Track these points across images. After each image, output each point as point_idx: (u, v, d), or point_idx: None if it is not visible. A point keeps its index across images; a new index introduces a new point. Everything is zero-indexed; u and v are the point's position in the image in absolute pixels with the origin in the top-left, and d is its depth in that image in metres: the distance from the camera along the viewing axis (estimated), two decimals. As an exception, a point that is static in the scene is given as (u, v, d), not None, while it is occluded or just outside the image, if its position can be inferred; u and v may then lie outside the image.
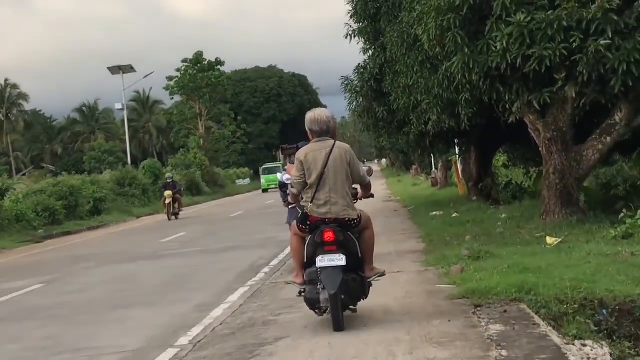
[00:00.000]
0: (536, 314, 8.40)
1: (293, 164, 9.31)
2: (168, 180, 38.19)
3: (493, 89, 15.92)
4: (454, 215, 20.94)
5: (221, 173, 79.24)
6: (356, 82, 24.85)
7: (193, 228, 29.08)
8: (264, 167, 77.44)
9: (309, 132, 8.45)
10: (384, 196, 37.94)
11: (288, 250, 16.98)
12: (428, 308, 9.04)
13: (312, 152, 8.28)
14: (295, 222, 8.53)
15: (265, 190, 72.43)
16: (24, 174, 70.22)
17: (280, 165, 74.59)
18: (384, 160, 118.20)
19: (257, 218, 31.05)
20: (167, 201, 36.82)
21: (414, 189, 45.32)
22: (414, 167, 66.29)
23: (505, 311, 8.48)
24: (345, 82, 25.11)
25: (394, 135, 27.12)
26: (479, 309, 8.75)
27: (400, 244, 16.14)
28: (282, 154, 13.92)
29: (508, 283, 9.48)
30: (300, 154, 8.37)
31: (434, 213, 22.31)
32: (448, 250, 13.53)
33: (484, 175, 26.26)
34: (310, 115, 8.46)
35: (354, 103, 25.20)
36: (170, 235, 25.61)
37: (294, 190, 8.47)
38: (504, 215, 18.34)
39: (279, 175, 14.16)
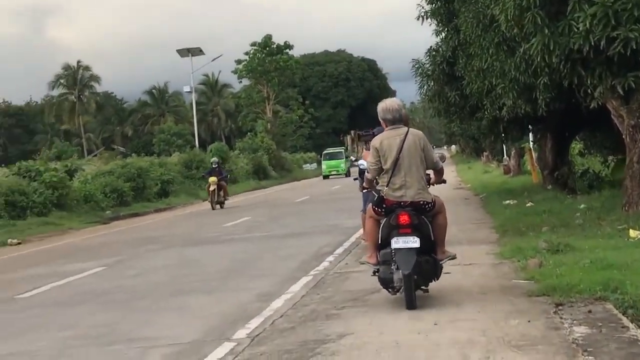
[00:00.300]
0: (623, 314, 7.68)
1: (369, 150, 9.68)
2: (214, 166, 34.28)
3: (574, 73, 15.07)
4: (528, 204, 20.09)
5: (288, 157, 78.83)
6: (427, 66, 24.04)
7: (258, 212, 28.72)
8: (325, 152, 74.69)
9: (382, 121, 8.93)
10: (454, 183, 37.07)
11: (354, 238, 16.53)
12: (504, 306, 8.38)
13: (386, 139, 8.73)
14: (370, 205, 8.98)
15: (326, 177, 69.10)
16: (94, 155, 71.03)
17: (343, 150, 72.21)
18: (453, 146, 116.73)
19: (323, 204, 30.48)
20: (212, 188, 33.11)
21: (485, 176, 44.30)
22: (484, 154, 65.08)
23: (589, 311, 7.77)
24: (417, 66, 24.34)
25: (465, 121, 26.33)
26: (560, 308, 8.06)
27: (472, 234, 15.42)
28: (359, 141, 14.48)
29: (591, 280, 8.77)
30: (376, 141, 8.83)
31: (507, 202, 21.47)
32: (524, 242, 12.74)
33: (560, 163, 25.24)
34: (382, 105, 8.93)
35: (425, 87, 24.40)
36: (235, 220, 25.24)
37: (369, 176, 8.95)
38: (582, 206, 17.43)
39: (356, 161, 14.39)
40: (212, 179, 32.96)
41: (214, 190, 33.02)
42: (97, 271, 15.02)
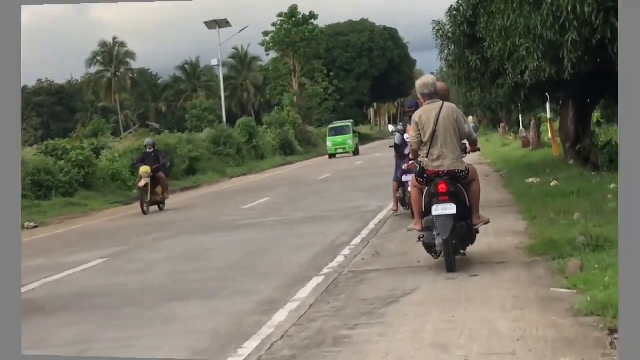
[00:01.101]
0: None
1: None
2: (148, 150, 23.15)
3: (607, 26, 13.09)
4: (553, 183, 17.85)
5: (314, 132, 76.39)
6: (448, 27, 21.32)
7: (278, 192, 26.68)
8: (330, 126, 61.66)
9: (420, 97, 9.21)
10: (474, 158, 34.85)
11: (372, 225, 14.63)
12: (548, 331, 6.38)
13: (424, 113, 9.04)
14: (414, 175, 9.37)
15: (332, 156, 56.30)
16: (130, 132, 69.31)
17: (350, 123, 62.09)
18: (470, 117, 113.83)
19: (344, 181, 28.22)
20: (142, 183, 21.96)
21: (504, 149, 41.95)
22: (501, 125, 62.53)
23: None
24: (437, 28, 21.61)
25: (486, 89, 23.17)
26: (616, 337, 5.99)
27: (497, 222, 12.67)
28: (404, 116, 15.81)
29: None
30: (415, 116, 9.18)
31: (530, 180, 19.23)
32: (556, 233, 10.52)
33: (582, 134, 22.88)
34: (418, 82, 9.25)
35: (446, 51, 21.70)
36: (255, 201, 23.27)
37: (413, 147, 9.23)
38: (612, 185, 15.15)
39: (397, 135, 14.66)
40: (144, 168, 22.15)
41: (147, 184, 22.07)
42: (96, 264, 13.22)
